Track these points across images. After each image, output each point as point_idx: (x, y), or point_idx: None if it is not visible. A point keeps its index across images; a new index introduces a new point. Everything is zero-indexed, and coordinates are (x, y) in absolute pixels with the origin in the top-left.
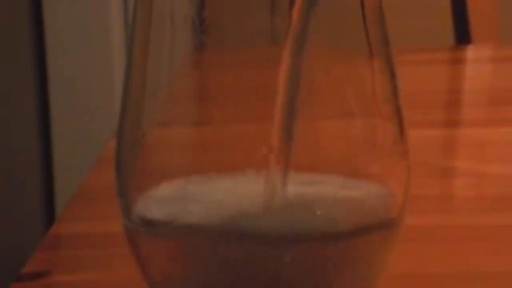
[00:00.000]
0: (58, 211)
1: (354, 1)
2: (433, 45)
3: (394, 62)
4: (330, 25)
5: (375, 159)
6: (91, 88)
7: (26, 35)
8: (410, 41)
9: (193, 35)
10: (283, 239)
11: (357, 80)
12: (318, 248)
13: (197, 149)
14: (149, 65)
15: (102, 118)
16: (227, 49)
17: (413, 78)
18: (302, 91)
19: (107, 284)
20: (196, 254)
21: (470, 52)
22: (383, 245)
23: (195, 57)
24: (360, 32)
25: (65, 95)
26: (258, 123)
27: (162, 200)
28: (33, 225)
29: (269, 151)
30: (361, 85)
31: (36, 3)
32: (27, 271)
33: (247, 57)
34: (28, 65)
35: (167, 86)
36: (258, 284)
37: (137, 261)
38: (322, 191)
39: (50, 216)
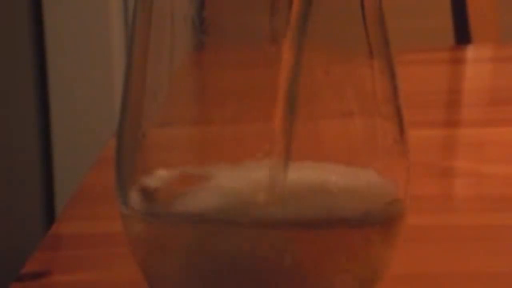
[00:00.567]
0: (58, 211)
1: (354, 1)
2: (433, 45)
3: (394, 62)
4: (330, 25)
5: (375, 159)
6: (91, 88)
7: (26, 35)
8: (410, 41)
9: (193, 35)
10: (286, 226)
11: (357, 80)
12: (322, 236)
13: (197, 149)
14: (149, 65)
15: (102, 118)
16: (227, 49)
17: (413, 78)
18: (302, 91)
19: (107, 284)
20: (197, 241)
21: (470, 52)
22: (386, 236)
23: (195, 57)
24: (360, 32)
25: (65, 95)
26: (258, 123)
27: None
28: (33, 225)
29: (271, 140)
30: (361, 85)
31: (36, 3)
32: (27, 271)
33: (247, 57)
34: (28, 65)
35: (167, 86)
36: (257, 273)
37: (135, 253)
38: (325, 179)
39: (50, 216)
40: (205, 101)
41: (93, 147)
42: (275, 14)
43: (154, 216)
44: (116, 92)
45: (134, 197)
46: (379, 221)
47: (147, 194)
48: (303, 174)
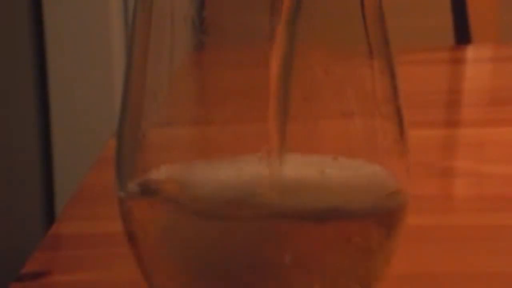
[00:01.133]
0: (58, 211)
1: (354, 1)
2: (433, 45)
3: (394, 62)
4: (330, 25)
5: (375, 159)
6: (91, 88)
7: (26, 35)
8: (410, 41)
9: (193, 35)
10: (284, 219)
11: (357, 80)
12: (322, 228)
13: (197, 149)
14: (149, 65)
15: (102, 118)
16: (227, 49)
17: (413, 78)
18: (302, 91)
19: (107, 284)
20: (195, 231)
21: (470, 52)
22: (386, 228)
23: (195, 57)
24: (360, 32)
25: (65, 95)
26: (258, 123)
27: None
28: (33, 225)
29: (267, 135)
30: (361, 85)
31: (36, 3)
32: (27, 271)
33: (247, 57)
34: (28, 65)
35: (167, 86)
36: (256, 266)
37: (132, 243)
38: (324, 171)
39: (50, 216)
40: (205, 101)
41: (93, 147)
42: (275, 14)
43: (152, 205)
44: (116, 92)
45: (135, 189)
46: (379, 213)
47: (148, 185)
48: (302, 167)
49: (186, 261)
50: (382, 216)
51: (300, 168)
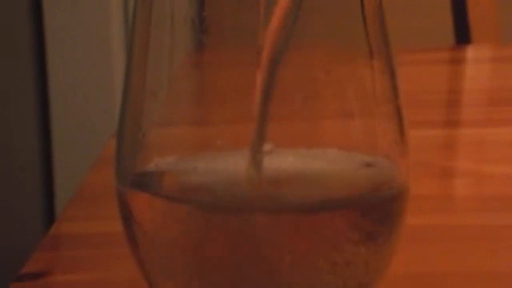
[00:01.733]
0: (58, 211)
1: (354, 1)
2: (433, 45)
3: (394, 62)
4: (330, 25)
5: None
6: (91, 88)
7: (26, 35)
8: (410, 41)
9: (193, 35)
10: (274, 210)
11: (357, 80)
12: (313, 219)
13: (197, 149)
14: (149, 65)
15: (102, 118)
16: (227, 49)
17: (413, 78)
18: (302, 91)
19: (107, 284)
20: (190, 223)
21: (470, 52)
22: (382, 219)
23: (195, 57)
24: (360, 32)
25: (65, 95)
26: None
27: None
28: (33, 225)
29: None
30: (361, 85)
31: (36, 3)
32: (27, 271)
33: (247, 57)
34: (28, 65)
35: (167, 86)
36: (248, 255)
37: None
38: (318, 163)
39: (50, 216)
40: (205, 101)
41: (93, 147)
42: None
43: (150, 197)
44: (116, 92)
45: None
46: (373, 204)
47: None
48: (295, 159)
49: (182, 253)
50: (373, 207)
51: (292, 160)
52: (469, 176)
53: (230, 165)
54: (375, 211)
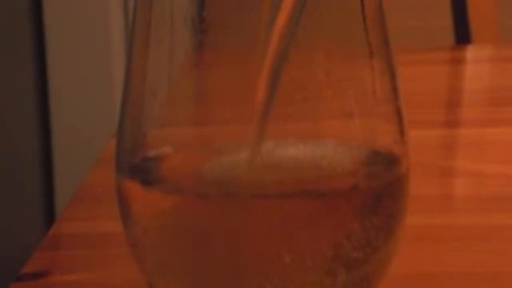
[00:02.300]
0: (58, 211)
1: (354, 1)
2: (433, 45)
3: (394, 62)
4: (330, 25)
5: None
6: (91, 88)
7: (26, 35)
8: (410, 41)
9: (193, 35)
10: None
11: (357, 80)
12: (308, 205)
13: (197, 149)
14: (149, 65)
15: (102, 118)
16: (227, 49)
17: (413, 78)
18: (302, 91)
19: (107, 284)
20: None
21: (470, 52)
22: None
23: (195, 57)
24: (360, 32)
25: (65, 95)
26: None
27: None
28: (33, 225)
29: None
30: (361, 85)
31: (36, 3)
32: (27, 271)
33: (247, 57)
34: (28, 65)
35: (167, 86)
36: (246, 240)
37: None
38: (315, 151)
39: (50, 216)
40: (205, 101)
41: (93, 147)
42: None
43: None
44: (116, 92)
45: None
46: (369, 188)
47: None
48: (294, 148)
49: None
50: (367, 192)
51: (288, 149)
52: (469, 176)
53: (228, 153)
54: (379, 195)
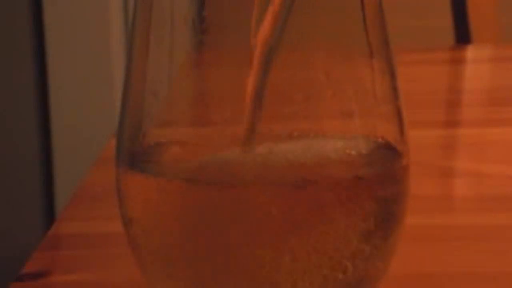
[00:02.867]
0: (58, 211)
1: (354, 1)
2: (433, 45)
3: (394, 62)
4: (330, 25)
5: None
6: (91, 88)
7: (26, 35)
8: (410, 41)
9: (193, 35)
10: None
11: (357, 80)
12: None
13: (197, 149)
14: (149, 65)
15: (102, 118)
16: (227, 49)
17: (413, 78)
18: (302, 91)
19: (107, 284)
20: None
21: (470, 52)
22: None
23: (195, 57)
24: (360, 32)
25: (65, 95)
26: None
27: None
28: (33, 225)
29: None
30: (361, 85)
31: (36, 3)
32: (27, 271)
33: (247, 57)
34: (28, 65)
35: (167, 86)
36: (239, 229)
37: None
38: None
39: (50, 216)
40: (205, 101)
41: (93, 147)
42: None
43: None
44: (116, 92)
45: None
46: (368, 178)
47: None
48: (292, 140)
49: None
50: (364, 183)
51: (288, 143)
52: (469, 176)
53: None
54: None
